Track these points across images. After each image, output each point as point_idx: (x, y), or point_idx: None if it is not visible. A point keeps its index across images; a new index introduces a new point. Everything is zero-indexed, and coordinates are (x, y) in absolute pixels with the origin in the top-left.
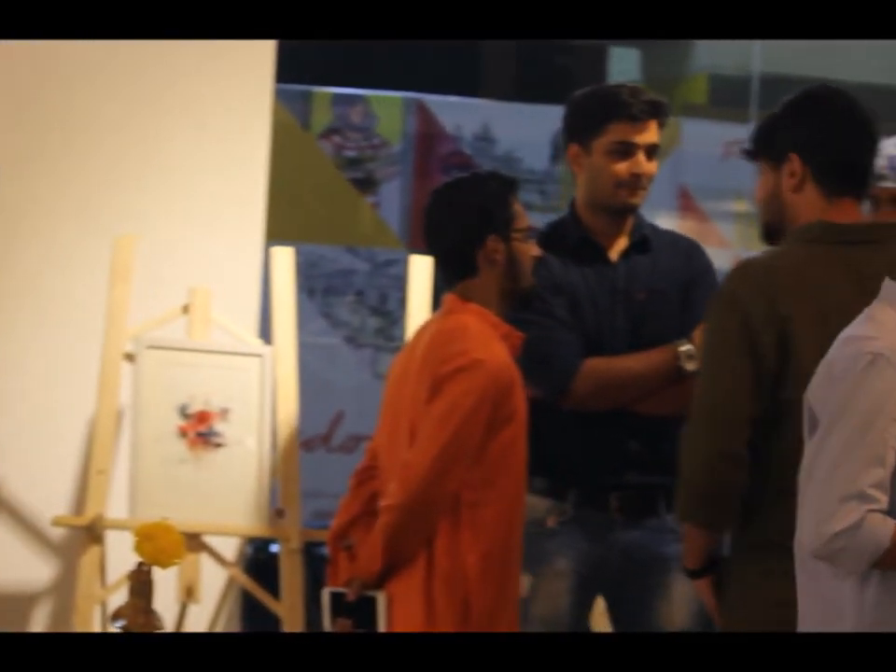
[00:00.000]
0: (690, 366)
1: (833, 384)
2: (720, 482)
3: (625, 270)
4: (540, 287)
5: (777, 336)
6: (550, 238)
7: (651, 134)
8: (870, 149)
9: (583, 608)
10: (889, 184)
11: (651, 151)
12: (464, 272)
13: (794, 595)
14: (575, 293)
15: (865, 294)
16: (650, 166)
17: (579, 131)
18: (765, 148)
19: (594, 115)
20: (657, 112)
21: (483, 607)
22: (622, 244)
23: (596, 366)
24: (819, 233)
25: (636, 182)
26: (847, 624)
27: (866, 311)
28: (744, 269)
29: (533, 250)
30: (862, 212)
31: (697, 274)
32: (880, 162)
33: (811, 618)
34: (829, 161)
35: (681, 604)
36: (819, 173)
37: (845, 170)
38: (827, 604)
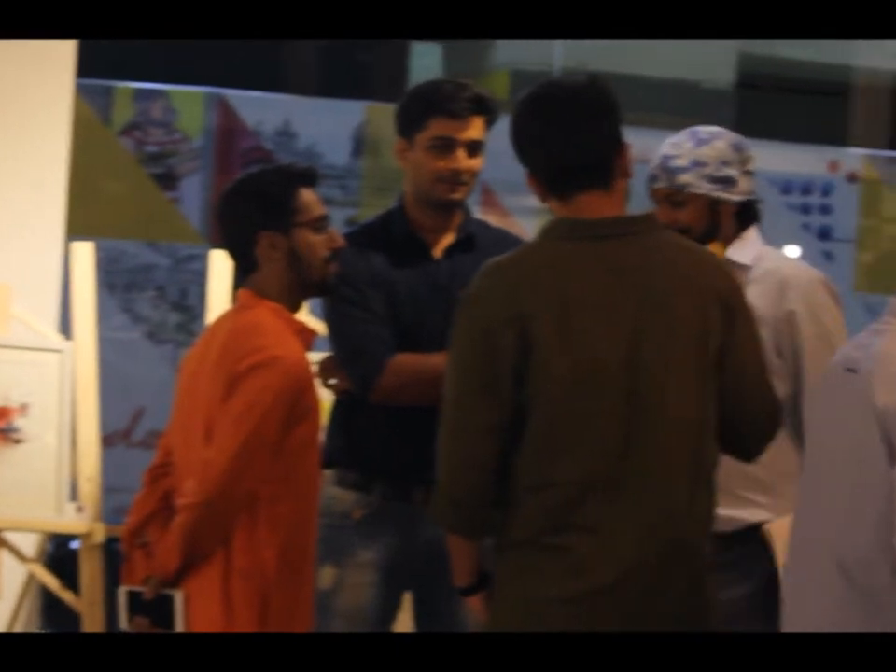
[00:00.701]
0: None
1: None
2: (464, 487)
3: (448, 267)
4: (359, 279)
5: (519, 335)
6: (376, 231)
7: (472, 131)
8: (580, 139)
9: (389, 601)
10: (661, 184)
11: (473, 148)
12: (245, 266)
13: (545, 591)
14: (394, 288)
15: (623, 286)
16: (470, 162)
17: (404, 125)
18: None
19: (416, 110)
20: (481, 108)
21: (281, 602)
22: (447, 240)
23: (405, 361)
24: (565, 231)
25: (455, 178)
26: None
27: (891, 327)
28: (487, 270)
29: (335, 242)
30: (608, 198)
31: None
32: (654, 163)
33: (855, 621)
34: (545, 169)
35: None
36: (545, 182)
37: (562, 171)
38: (884, 608)
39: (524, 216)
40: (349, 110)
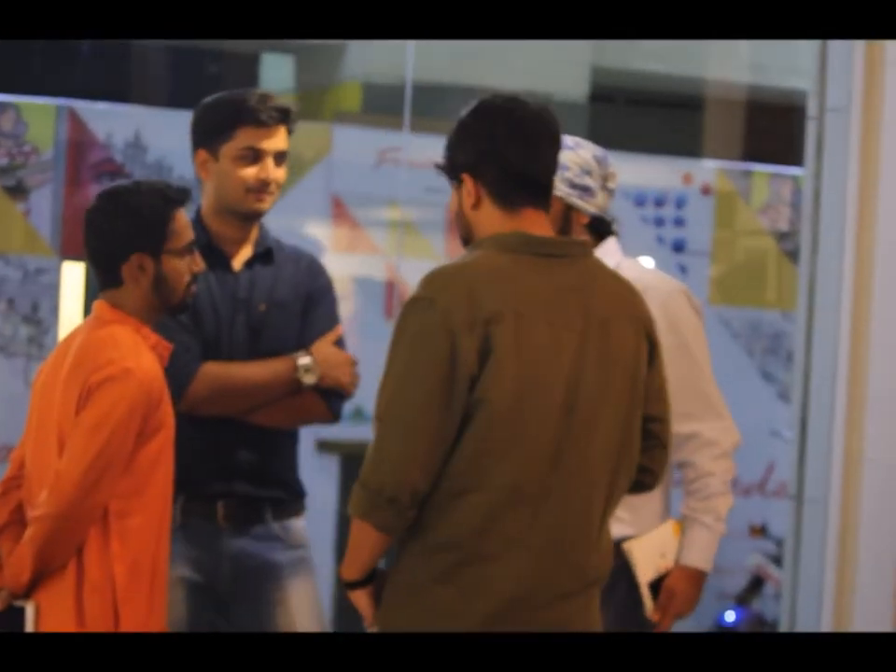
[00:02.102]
0: (307, 378)
1: None
2: (408, 487)
3: (248, 279)
4: None
5: (480, 339)
6: None
7: (279, 141)
8: (540, 157)
9: (197, 617)
10: None
11: (280, 157)
12: (110, 282)
13: (458, 603)
14: (197, 298)
15: (571, 304)
16: (278, 172)
17: (206, 136)
18: (446, 168)
19: (222, 120)
20: (285, 118)
21: (133, 616)
22: (246, 253)
23: (213, 370)
24: (518, 244)
25: (263, 188)
26: None
27: None
28: (441, 275)
29: (196, 266)
30: (546, 221)
31: (318, 291)
32: None
33: None
34: (499, 178)
35: (299, 608)
36: (492, 190)
37: (517, 183)
38: None
39: (375, 227)
40: None
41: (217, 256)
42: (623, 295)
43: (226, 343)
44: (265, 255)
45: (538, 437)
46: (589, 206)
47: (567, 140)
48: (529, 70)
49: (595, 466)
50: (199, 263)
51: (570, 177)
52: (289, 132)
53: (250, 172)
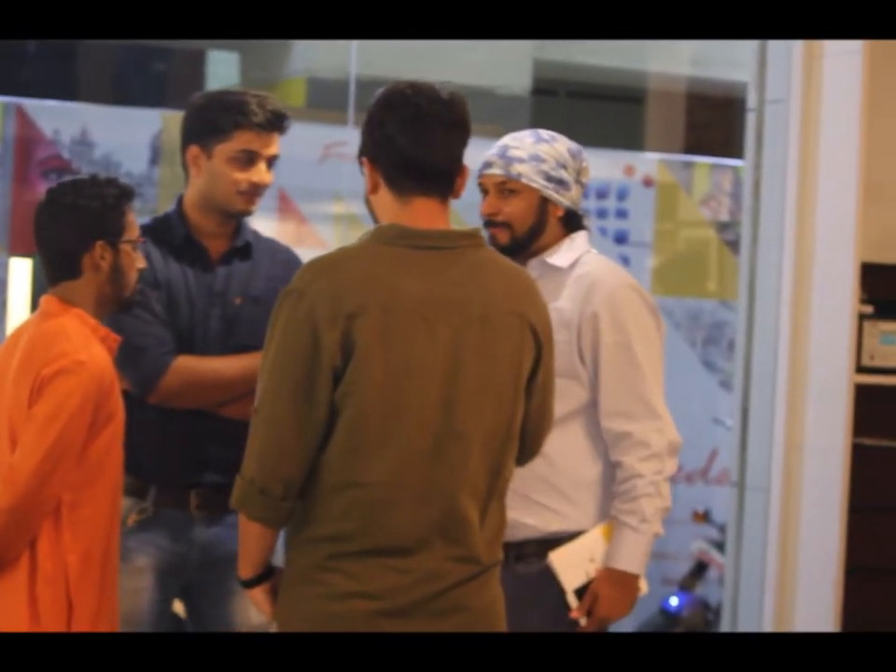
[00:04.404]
0: None
1: None
2: (278, 479)
3: (225, 273)
4: (141, 280)
5: (342, 333)
6: (155, 232)
7: (274, 146)
8: (432, 144)
9: (163, 605)
10: (496, 171)
11: (272, 162)
12: (67, 273)
13: (350, 587)
14: (172, 290)
15: (446, 298)
16: (268, 176)
17: (201, 133)
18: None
19: (219, 121)
20: (281, 124)
21: (85, 606)
22: (224, 246)
23: (186, 364)
24: (394, 236)
25: (255, 190)
26: None
27: None
28: (313, 267)
29: (139, 262)
30: (442, 210)
31: None
32: (491, 151)
33: None
34: (392, 165)
35: None
36: (386, 176)
37: (406, 171)
38: None
39: (321, 221)
40: (146, 119)
41: (195, 248)
42: (512, 290)
43: (200, 335)
44: (243, 249)
45: (415, 432)
46: (564, 199)
47: (543, 133)
48: (472, 64)
49: (477, 459)
50: (142, 260)
51: (546, 170)
52: (281, 135)
53: (243, 175)
